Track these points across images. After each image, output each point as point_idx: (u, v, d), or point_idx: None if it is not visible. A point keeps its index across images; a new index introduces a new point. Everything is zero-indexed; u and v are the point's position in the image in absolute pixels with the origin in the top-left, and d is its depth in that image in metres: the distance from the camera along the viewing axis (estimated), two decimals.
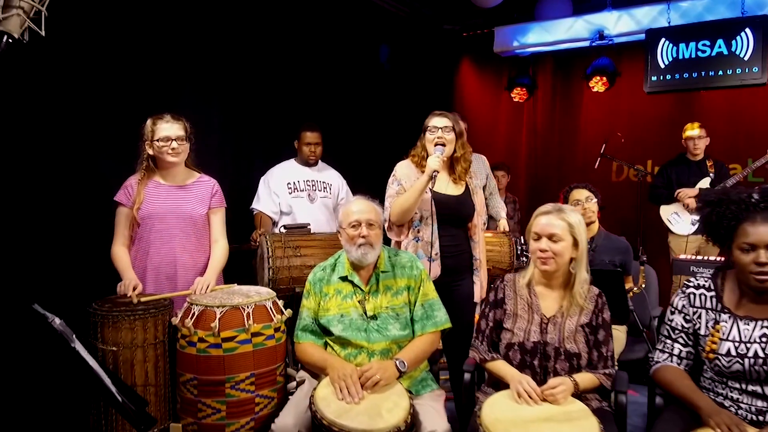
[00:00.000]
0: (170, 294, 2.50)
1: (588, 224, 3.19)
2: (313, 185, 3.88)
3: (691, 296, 2.08)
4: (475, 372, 2.35)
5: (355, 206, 2.42)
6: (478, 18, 6.04)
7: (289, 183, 3.82)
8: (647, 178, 5.03)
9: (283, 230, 3.35)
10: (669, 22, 4.62)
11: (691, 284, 2.10)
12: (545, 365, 2.11)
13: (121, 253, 2.62)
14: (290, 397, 2.32)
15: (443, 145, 2.79)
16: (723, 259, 3.82)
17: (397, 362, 2.22)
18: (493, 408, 1.97)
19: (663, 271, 4.09)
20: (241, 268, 3.41)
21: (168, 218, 2.67)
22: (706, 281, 2.08)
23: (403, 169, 2.90)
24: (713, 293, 2.04)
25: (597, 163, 5.11)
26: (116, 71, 3.38)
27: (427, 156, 2.82)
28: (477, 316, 2.45)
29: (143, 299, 2.34)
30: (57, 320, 1.66)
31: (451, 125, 2.83)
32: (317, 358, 2.31)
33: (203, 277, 2.63)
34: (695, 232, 4.53)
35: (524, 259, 4.26)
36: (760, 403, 1.90)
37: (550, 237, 2.12)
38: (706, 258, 3.92)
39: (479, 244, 2.93)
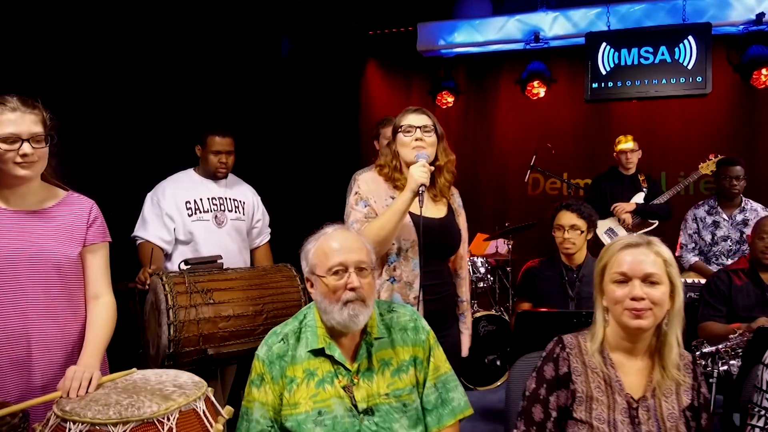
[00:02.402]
0: (22, 404, 1.47)
1: (570, 255, 2.88)
2: (220, 204, 2.96)
3: None
4: None
5: (336, 241, 1.60)
6: (387, 15, 5.54)
7: (188, 202, 2.88)
8: (580, 193, 4.75)
9: (183, 267, 2.49)
10: (609, 26, 4.35)
11: None
12: None
13: None
14: None
15: (424, 148, 2.13)
16: (694, 280, 3.60)
17: None
18: None
19: None
20: (121, 320, 2.42)
21: (14, 264, 1.69)
22: None
23: (369, 185, 2.19)
24: None
25: (527, 176, 4.79)
26: None
27: (400, 166, 2.18)
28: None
29: None
30: None
31: (432, 124, 2.18)
32: None
33: (79, 363, 1.64)
34: None
35: None
36: None
37: (645, 279, 1.48)
38: None
39: (465, 281, 2.31)
